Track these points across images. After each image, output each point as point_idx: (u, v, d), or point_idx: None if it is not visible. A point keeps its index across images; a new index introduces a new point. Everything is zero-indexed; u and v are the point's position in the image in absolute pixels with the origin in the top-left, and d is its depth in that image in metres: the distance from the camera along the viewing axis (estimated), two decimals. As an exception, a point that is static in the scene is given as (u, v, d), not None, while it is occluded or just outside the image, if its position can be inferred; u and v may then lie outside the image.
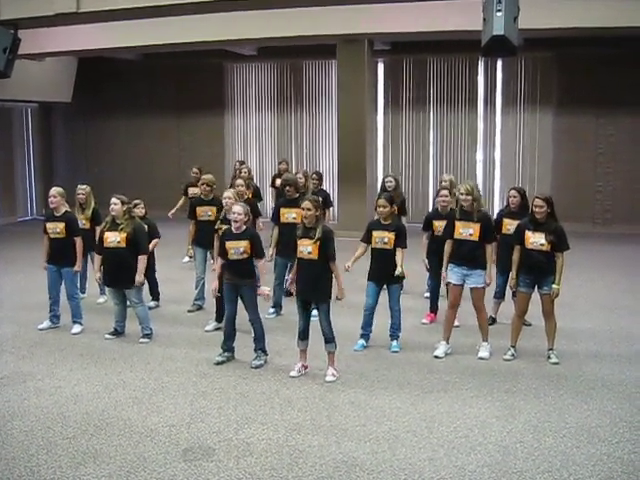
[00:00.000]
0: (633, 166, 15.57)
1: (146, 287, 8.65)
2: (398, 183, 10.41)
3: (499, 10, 7.63)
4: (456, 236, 7.45)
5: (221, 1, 9.36)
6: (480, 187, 16.81)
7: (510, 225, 8.08)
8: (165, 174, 18.39)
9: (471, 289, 7.44)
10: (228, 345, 7.35)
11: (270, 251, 8.97)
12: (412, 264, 9.06)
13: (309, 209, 6.77)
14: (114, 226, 8.00)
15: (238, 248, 7.11)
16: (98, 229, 9.33)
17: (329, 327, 6.86)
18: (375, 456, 5.28)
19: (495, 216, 8.85)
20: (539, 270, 7.20)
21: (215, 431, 5.72)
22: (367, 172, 15.61)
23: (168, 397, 6.46)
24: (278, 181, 11.76)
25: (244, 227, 7.15)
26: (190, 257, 10.29)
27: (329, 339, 6.88)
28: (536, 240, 7.15)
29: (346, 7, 11.91)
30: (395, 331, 7.83)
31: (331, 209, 11.60)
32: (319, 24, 13.04)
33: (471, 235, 7.35)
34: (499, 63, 16.53)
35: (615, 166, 15.76)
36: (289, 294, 8.63)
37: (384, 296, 7.80)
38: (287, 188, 9.00)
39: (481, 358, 7.42)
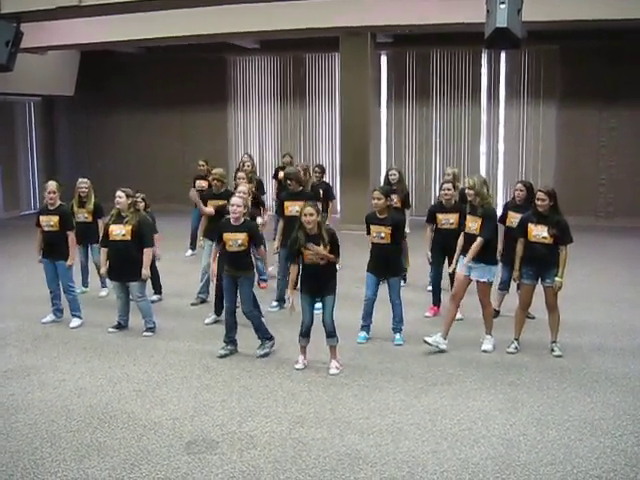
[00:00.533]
0: (636, 159, 15.51)
1: (148, 280, 8.65)
2: (402, 176, 10.42)
3: (502, 2, 7.60)
4: (466, 230, 7.52)
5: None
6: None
7: (515, 218, 8.08)
8: (168, 168, 18.38)
9: (477, 283, 7.46)
10: (230, 337, 7.37)
11: (275, 243, 9.08)
12: (415, 257, 9.08)
13: (311, 214, 6.70)
14: (119, 219, 8.01)
15: (236, 240, 7.13)
16: (100, 222, 9.40)
17: (332, 321, 6.87)
18: (379, 449, 5.29)
19: (501, 209, 8.88)
20: (541, 262, 7.19)
21: (219, 424, 5.73)
22: (370, 165, 15.58)
23: (172, 390, 6.47)
24: (281, 174, 11.74)
25: (242, 219, 7.16)
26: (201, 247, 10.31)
27: (331, 333, 6.89)
28: (539, 233, 7.14)
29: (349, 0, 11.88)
30: (398, 324, 7.83)
31: (334, 201, 11.54)
32: (322, 17, 13.00)
33: (475, 230, 7.37)
34: (502, 56, 16.47)
35: (618, 159, 15.71)
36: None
37: (386, 290, 7.80)
38: (289, 182, 9.00)
39: (484, 351, 7.42)
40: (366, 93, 15.30)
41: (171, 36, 13.73)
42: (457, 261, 7.60)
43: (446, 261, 8.50)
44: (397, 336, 7.79)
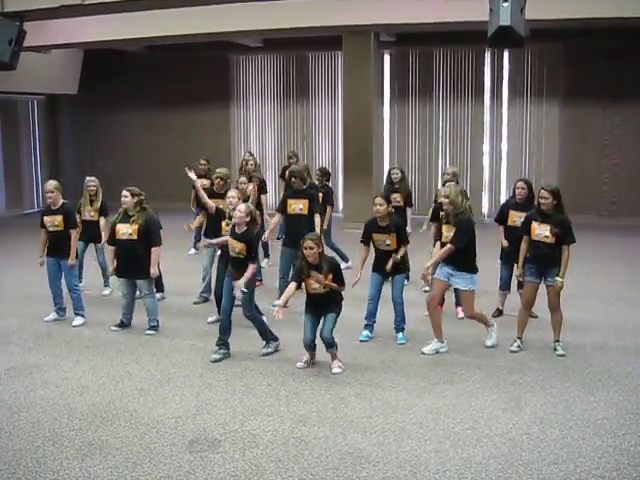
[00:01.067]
0: (639, 158, 15.50)
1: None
2: (404, 175, 10.41)
3: (506, 1, 7.60)
4: (442, 239, 7.53)
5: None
6: (485, 180, 16.84)
7: (516, 217, 8.07)
8: (171, 167, 18.35)
9: (460, 292, 7.52)
10: (223, 340, 7.29)
11: (265, 234, 9.30)
12: (417, 256, 9.05)
13: (311, 247, 6.68)
14: (126, 218, 8.01)
15: (234, 248, 7.15)
16: (102, 220, 9.44)
17: (330, 337, 6.83)
18: (381, 448, 5.28)
19: (501, 207, 8.87)
20: (544, 261, 7.18)
21: (221, 423, 5.73)
22: (373, 164, 15.57)
23: (174, 389, 6.47)
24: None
25: (245, 227, 7.15)
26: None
27: (330, 345, 6.90)
28: (541, 231, 7.13)
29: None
30: (400, 323, 7.82)
31: (332, 208, 11.30)
32: (325, 15, 13.00)
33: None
34: (506, 54, 16.45)
35: (621, 158, 15.68)
36: None
37: (389, 289, 7.79)
38: (293, 179, 9.01)
39: (490, 346, 7.46)
40: (369, 92, 15.28)
41: (174, 35, 13.76)
42: (436, 266, 7.56)
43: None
44: (400, 335, 7.79)
